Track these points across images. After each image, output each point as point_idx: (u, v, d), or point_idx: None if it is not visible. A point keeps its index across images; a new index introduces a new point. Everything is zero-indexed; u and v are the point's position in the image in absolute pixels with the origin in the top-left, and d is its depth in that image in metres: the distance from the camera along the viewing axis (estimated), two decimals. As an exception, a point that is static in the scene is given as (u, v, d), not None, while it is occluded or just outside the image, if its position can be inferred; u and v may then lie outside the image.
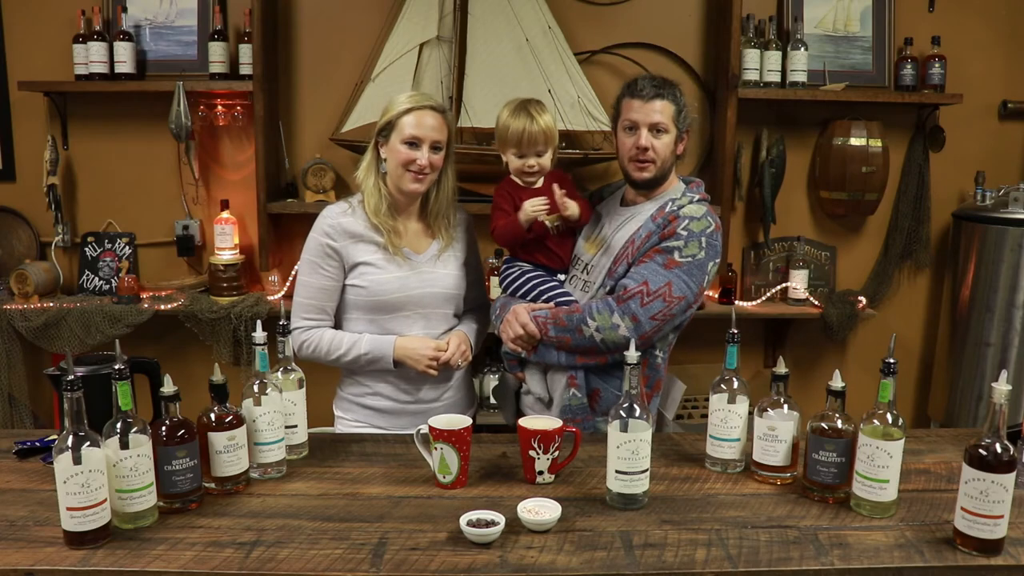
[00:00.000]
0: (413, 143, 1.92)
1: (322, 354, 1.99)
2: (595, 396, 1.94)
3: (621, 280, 1.90)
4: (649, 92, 1.93)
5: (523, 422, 1.62)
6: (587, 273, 2.01)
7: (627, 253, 1.93)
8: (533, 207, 1.97)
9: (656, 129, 1.93)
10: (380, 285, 1.97)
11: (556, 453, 1.60)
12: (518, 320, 1.96)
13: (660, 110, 1.93)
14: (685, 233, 1.89)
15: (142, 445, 1.38)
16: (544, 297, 2.01)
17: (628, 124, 1.96)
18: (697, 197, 1.98)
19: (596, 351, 1.89)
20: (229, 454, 1.52)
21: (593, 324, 1.86)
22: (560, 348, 1.92)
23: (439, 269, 2.04)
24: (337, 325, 2.05)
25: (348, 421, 2.08)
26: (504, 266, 2.13)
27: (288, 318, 1.79)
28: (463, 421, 1.59)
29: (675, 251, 1.88)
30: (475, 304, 2.19)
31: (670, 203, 1.96)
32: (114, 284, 3.22)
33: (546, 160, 2.00)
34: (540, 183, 2.03)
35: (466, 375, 2.16)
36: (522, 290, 2.05)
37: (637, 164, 1.95)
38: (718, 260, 1.95)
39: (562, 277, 2.08)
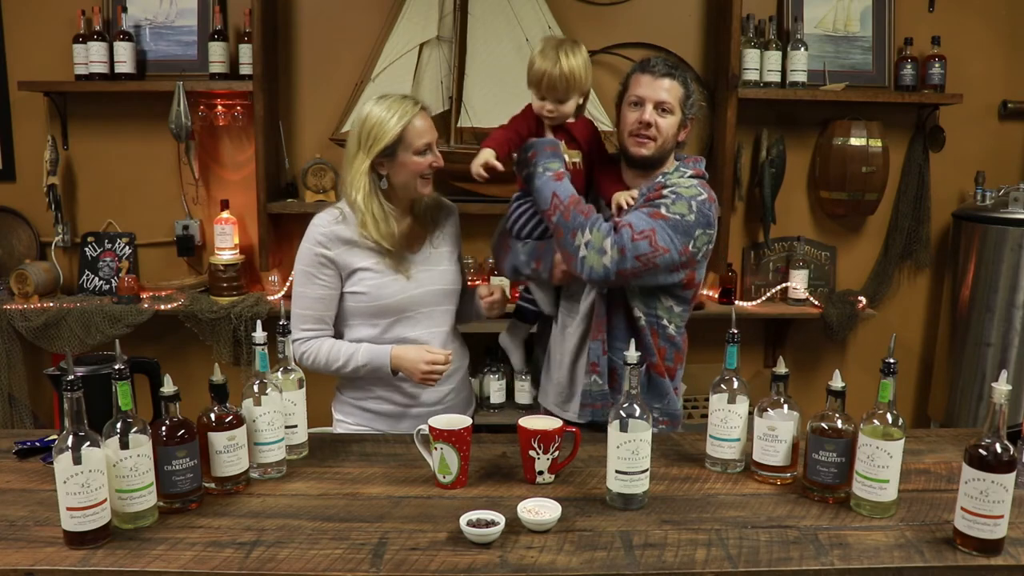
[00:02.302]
0: (427, 149, 1.91)
1: (321, 365, 1.97)
2: (614, 376, 1.95)
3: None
4: (661, 69, 1.91)
5: (523, 422, 1.62)
6: None
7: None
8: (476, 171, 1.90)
9: (662, 108, 1.90)
10: (380, 289, 1.95)
11: (556, 453, 1.60)
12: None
13: (668, 89, 1.90)
14: (672, 195, 1.86)
15: (142, 445, 1.38)
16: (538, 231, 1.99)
17: (634, 99, 1.92)
18: (690, 172, 1.95)
19: (570, 261, 1.84)
20: (229, 454, 1.52)
21: (587, 236, 1.80)
22: (554, 233, 1.86)
23: (435, 267, 2.03)
24: (339, 333, 2.03)
25: (348, 424, 2.06)
26: (515, 201, 2.06)
27: (288, 318, 1.79)
28: (463, 421, 1.59)
29: (661, 206, 1.84)
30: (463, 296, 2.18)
31: (660, 176, 1.94)
32: (114, 284, 3.22)
33: (568, 107, 1.92)
34: (571, 120, 1.98)
35: (465, 376, 2.16)
36: (527, 227, 2.02)
37: (637, 139, 1.91)
38: (711, 232, 1.89)
39: None
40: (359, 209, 1.91)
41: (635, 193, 1.95)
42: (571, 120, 1.99)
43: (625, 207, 1.92)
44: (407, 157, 1.90)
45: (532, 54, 1.93)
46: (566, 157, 1.96)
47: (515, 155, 1.98)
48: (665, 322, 1.97)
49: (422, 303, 2.00)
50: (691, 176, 1.94)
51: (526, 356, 2.21)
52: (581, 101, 1.98)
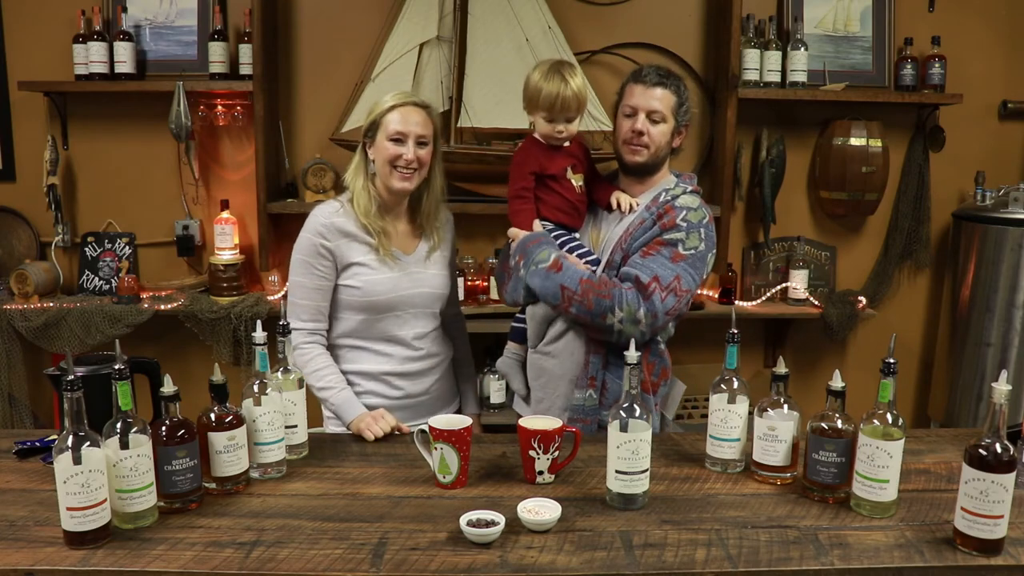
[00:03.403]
0: (398, 139, 1.92)
1: (303, 371, 1.96)
2: (603, 390, 1.95)
3: (625, 269, 1.90)
4: (652, 79, 1.95)
5: (523, 422, 1.62)
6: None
7: (620, 242, 1.95)
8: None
9: (654, 116, 1.94)
10: (373, 286, 1.97)
11: (556, 453, 1.60)
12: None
13: (660, 98, 1.94)
14: (685, 224, 1.91)
15: (142, 445, 1.38)
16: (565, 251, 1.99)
17: (628, 109, 1.97)
18: (690, 188, 2.00)
19: (607, 335, 1.88)
20: (229, 454, 1.52)
21: (619, 314, 1.84)
22: (576, 319, 1.89)
23: (429, 270, 2.05)
24: (329, 324, 2.05)
25: (336, 420, 2.08)
26: None
27: (288, 317, 1.79)
28: (463, 421, 1.59)
29: (679, 243, 1.90)
30: (450, 302, 2.19)
31: (664, 193, 1.98)
32: (114, 284, 3.22)
33: (575, 126, 1.99)
34: (567, 143, 2.02)
35: (448, 369, 2.18)
36: None
37: (631, 147, 1.96)
38: (715, 251, 1.98)
39: (577, 235, 2.05)
40: (348, 181, 2.01)
41: (637, 200, 1.99)
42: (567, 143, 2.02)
43: (625, 210, 1.98)
44: (381, 140, 1.94)
45: (533, 80, 1.96)
46: (573, 181, 1.99)
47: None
48: (658, 337, 2.00)
49: (411, 303, 2.02)
50: (691, 193, 1.99)
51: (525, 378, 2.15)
52: (580, 120, 2.02)
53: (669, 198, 1.96)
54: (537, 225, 1.99)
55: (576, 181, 2.01)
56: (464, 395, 2.26)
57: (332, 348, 2.05)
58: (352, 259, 1.97)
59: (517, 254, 1.95)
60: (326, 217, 1.98)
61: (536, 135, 2.02)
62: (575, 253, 1.98)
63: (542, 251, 1.92)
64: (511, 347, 2.15)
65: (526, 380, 2.11)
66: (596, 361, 1.94)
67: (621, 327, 1.84)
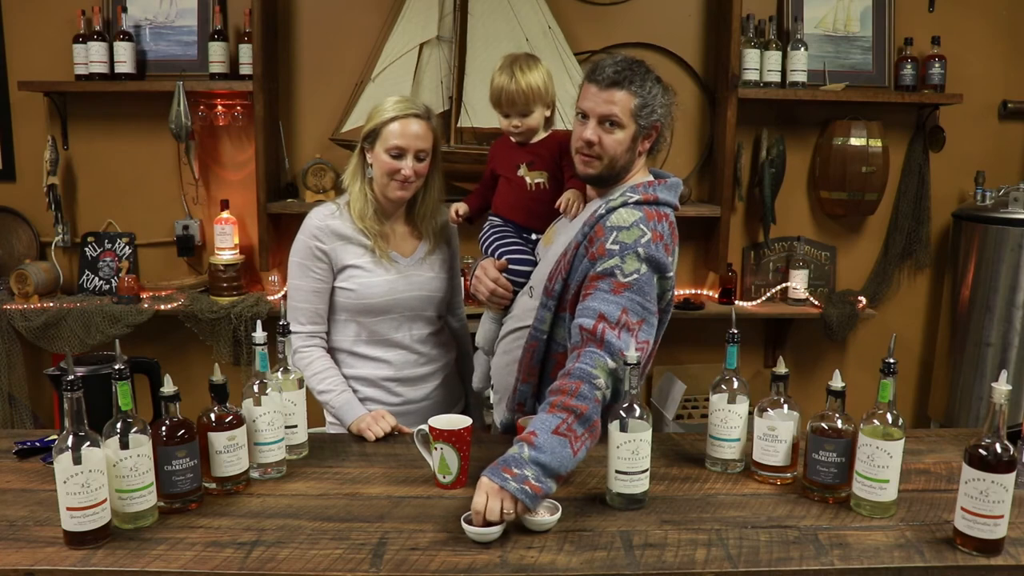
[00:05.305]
0: (397, 154, 1.90)
1: (304, 374, 1.95)
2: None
3: (575, 321, 1.63)
4: (607, 78, 1.67)
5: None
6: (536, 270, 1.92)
7: (560, 268, 1.73)
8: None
9: (608, 122, 1.69)
10: (368, 288, 1.97)
11: (556, 453, 1.59)
12: (487, 276, 1.91)
13: (616, 101, 1.67)
14: (616, 247, 1.63)
15: (142, 445, 1.38)
16: (496, 254, 1.95)
17: (579, 112, 1.73)
18: (636, 198, 1.70)
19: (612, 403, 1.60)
20: (229, 454, 1.52)
21: (601, 382, 1.54)
22: (596, 427, 1.54)
23: (425, 272, 2.05)
24: (328, 327, 2.05)
25: (338, 424, 2.08)
26: (487, 222, 2.07)
27: (287, 317, 1.79)
28: (463, 421, 1.59)
29: (616, 272, 1.61)
30: (452, 309, 2.20)
31: (602, 206, 1.71)
32: (114, 284, 3.22)
33: (532, 120, 1.91)
34: (540, 137, 1.95)
35: (452, 373, 2.18)
36: (483, 244, 2.01)
37: (582, 158, 1.73)
38: (669, 274, 1.68)
39: (535, 237, 1.97)
40: (345, 183, 2.01)
41: (576, 208, 1.84)
42: (540, 136, 1.96)
43: (567, 213, 1.84)
44: (379, 151, 1.92)
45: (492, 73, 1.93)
46: (527, 178, 1.95)
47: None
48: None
49: (408, 306, 2.01)
50: (635, 204, 1.69)
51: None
52: (548, 113, 1.96)
53: (604, 212, 1.69)
54: (460, 207, 2.04)
55: (531, 179, 1.95)
56: (473, 410, 2.26)
57: (331, 353, 2.05)
58: (347, 261, 1.97)
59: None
60: (321, 220, 1.98)
61: None
62: (505, 249, 1.93)
63: (548, 482, 1.44)
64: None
65: (487, 375, 2.05)
66: (525, 389, 1.81)
67: (609, 388, 1.56)
